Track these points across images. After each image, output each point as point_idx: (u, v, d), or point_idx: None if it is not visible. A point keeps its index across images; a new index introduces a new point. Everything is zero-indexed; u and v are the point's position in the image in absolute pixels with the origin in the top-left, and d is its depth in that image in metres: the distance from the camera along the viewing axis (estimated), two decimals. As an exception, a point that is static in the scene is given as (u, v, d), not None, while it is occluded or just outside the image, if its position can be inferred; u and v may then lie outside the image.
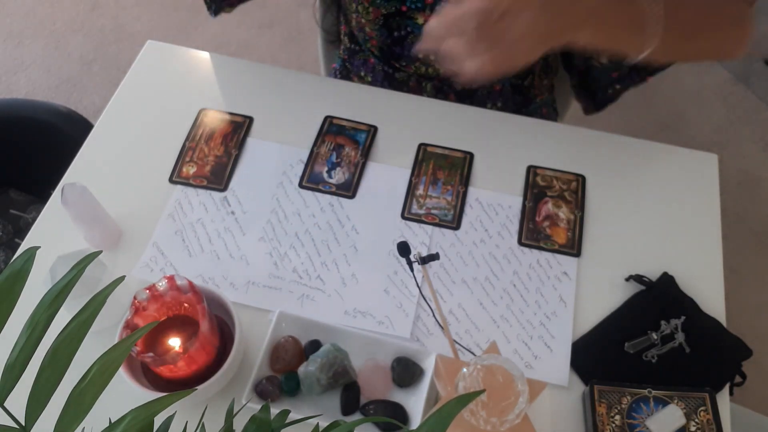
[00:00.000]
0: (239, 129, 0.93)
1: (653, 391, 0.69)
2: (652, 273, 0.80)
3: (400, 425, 0.61)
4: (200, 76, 0.99)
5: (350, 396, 0.69)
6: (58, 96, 2.10)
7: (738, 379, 0.73)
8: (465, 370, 0.60)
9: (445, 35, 0.63)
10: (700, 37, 0.76)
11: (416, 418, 0.68)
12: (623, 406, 0.69)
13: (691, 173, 0.90)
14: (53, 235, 0.83)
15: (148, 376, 0.69)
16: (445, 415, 0.39)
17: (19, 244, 0.95)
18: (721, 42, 0.77)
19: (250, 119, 0.94)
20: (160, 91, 0.98)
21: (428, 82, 1.04)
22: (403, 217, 0.85)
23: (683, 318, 0.76)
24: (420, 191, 0.87)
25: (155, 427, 0.43)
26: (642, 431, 0.67)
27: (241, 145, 0.91)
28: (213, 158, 0.90)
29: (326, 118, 0.94)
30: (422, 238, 0.83)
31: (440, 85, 1.05)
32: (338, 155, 0.91)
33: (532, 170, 0.89)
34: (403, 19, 0.94)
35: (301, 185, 0.88)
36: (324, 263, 0.82)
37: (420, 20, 0.93)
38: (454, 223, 0.84)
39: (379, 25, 0.97)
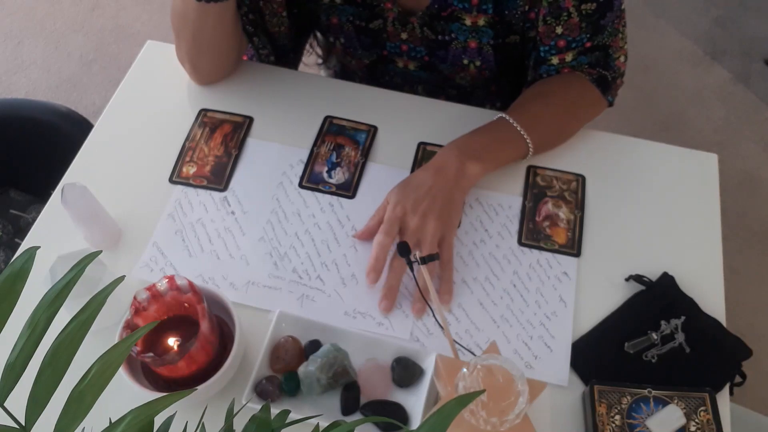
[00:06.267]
0: (239, 129, 0.93)
1: (653, 391, 0.69)
2: (652, 273, 0.80)
3: (400, 425, 0.61)
4: (200, 76, 0.99)
5: (350, 396, 0.69)
6: (58, 96, 2.10)
7: (738, 379, 0.73)
8: (465, 370, 0.60)
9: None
10: (565, 123, 0.91)
11: (416, 418, 0.68)
12: (623, 406, 0.69)
13: (691, 173, 0.90)
14: (53, 235, 0.83)
15: (148, 376, 0.69)
16: (445, 415, 0.39)
17: (19, 244, 0.95)
18: (582, 117, 0.92)
19: (250, 119, 0.94)
20: (160, 91, 0.98)
21: (419, 86, 1.06)
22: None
23: (683, 318, 0.76)
24: (420, 191, 0.87)
25: (155, 427, 0.43)
26: (642, 431, 0.67)
27: (241, 145, 0.91)
28: (213, 158, 0.90)
29: (326, 118, 0.94)
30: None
31: (432, 89, 1.06)
32: (338, 155, 0.91)
33: (532, 170, 0.89)
34: (385, 65, 1.02)
35: (301, 185, 0.88)
36: (324, 263, 0.82)
37: (400, 64, 1.01)
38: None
39: (365, 72, 1.06)
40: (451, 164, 0.81)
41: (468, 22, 0.89)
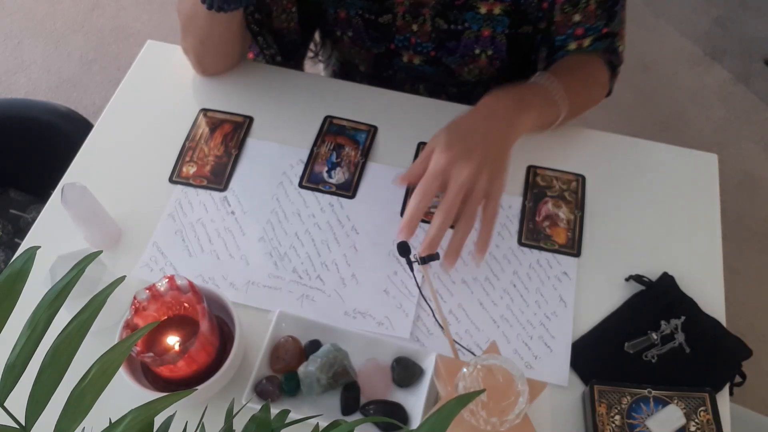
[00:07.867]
0: (239, 129, 0.93)
1: (653, 391, 0.69)
2: (652, 273, 0.80)
3: (400, 425, 0.61)
4: (200, 76, 0.99)
5: (350, 396, 0.69)
6: (58, 96, 2.10)
7: (738, 379, 0.73)
8: (465, 370, 0.60)
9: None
10: (586, 96, 0.91)
11: (416, 418, 0.68)
12: (623, 406, 0.69)
13: (691, 173, 0.90)
14: (53, 235, 0.83)
15: (148, 376, 0.69)
16: (445, 415, 0.39)
17: (19, 244, 0.95)
18: (595, 95, 0.93)
19: (250, 119, 0.94)
20: (160, 91, 0.98)
21: (421, 84, 1.05)
22: (403, 216, 0.85)
23: (683, 318, 0.76)
24: (420, 191, 0.87)
25: (155, 427, 0.43)
26: (642, 431, 0.67)
27: (241, 145, 0.91)
28: (213, 158, 0.90)
29: (326, 118, 0.94)
30: (422, 237, 0.83)
31: (434, 88, 1.06)
32: (338, 155, 0.91)
33: (532, 170, 0.89)
34: (391, 58, 1.01)
35: (301, 185, 0.88)
36: (324, 263, 0.82)
37: (405, 59, 1.00)
38: (454, 223, 0.84)
39: (371, 63, 1.04)
40: (503, 110, 0.76)
41: (483, 10, 0.89)
